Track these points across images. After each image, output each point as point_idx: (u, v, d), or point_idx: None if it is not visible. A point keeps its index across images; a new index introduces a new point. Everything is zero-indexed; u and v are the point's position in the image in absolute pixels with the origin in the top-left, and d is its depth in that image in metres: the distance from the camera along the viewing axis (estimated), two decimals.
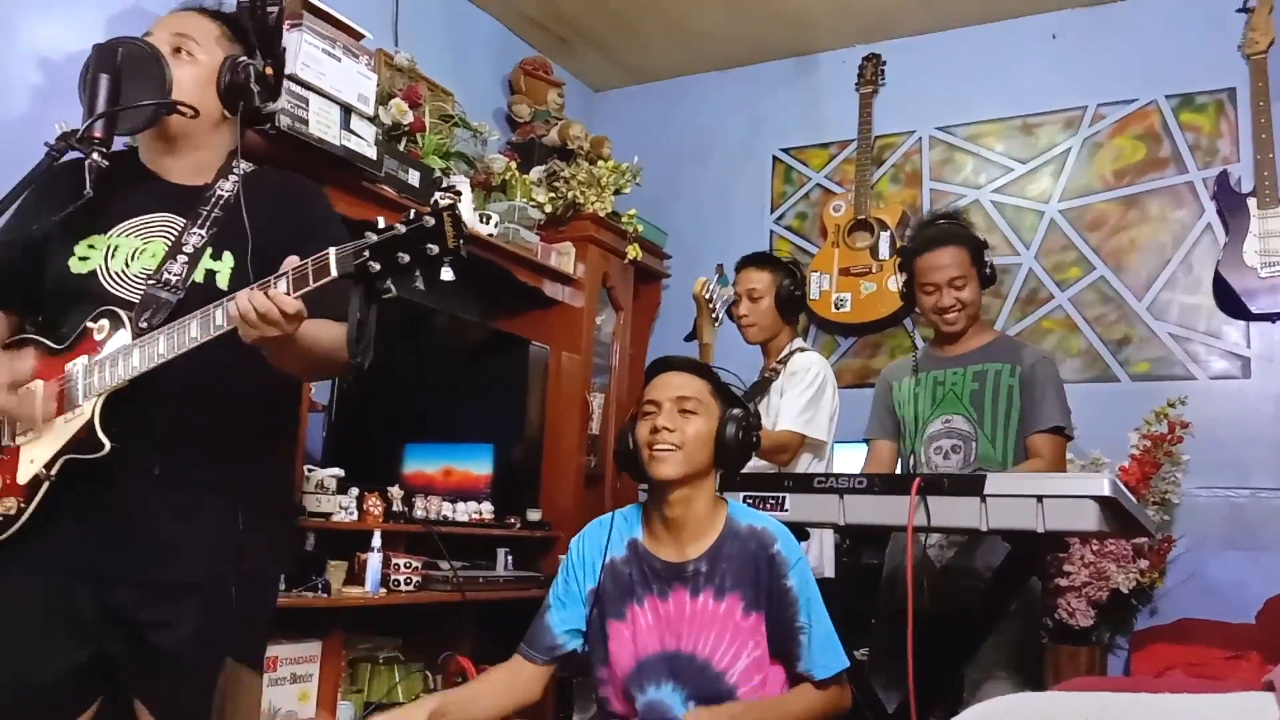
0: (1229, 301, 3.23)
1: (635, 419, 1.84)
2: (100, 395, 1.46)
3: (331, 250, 1.31)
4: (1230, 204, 3.27)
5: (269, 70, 1.63)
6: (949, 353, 2.48)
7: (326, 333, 1.48)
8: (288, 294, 1.33)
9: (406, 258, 1.26)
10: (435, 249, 1.26)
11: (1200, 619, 2.97)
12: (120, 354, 1.45)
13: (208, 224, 1.57)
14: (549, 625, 1.82)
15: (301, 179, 1.77)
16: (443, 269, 1.28)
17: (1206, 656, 2.69)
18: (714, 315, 2.71)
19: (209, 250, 1.56)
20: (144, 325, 1.47)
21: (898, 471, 2.53)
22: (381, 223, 1.29)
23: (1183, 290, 3.37)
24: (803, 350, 2.79)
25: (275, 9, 1.67)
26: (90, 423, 1.45)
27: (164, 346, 1.42)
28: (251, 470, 1.58)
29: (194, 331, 1.40)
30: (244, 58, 1.61)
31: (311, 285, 1.33)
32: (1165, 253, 3.42)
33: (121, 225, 1.57)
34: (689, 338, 2.78)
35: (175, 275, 1.53)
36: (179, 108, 1.54)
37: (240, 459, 1.56)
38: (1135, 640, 3.04)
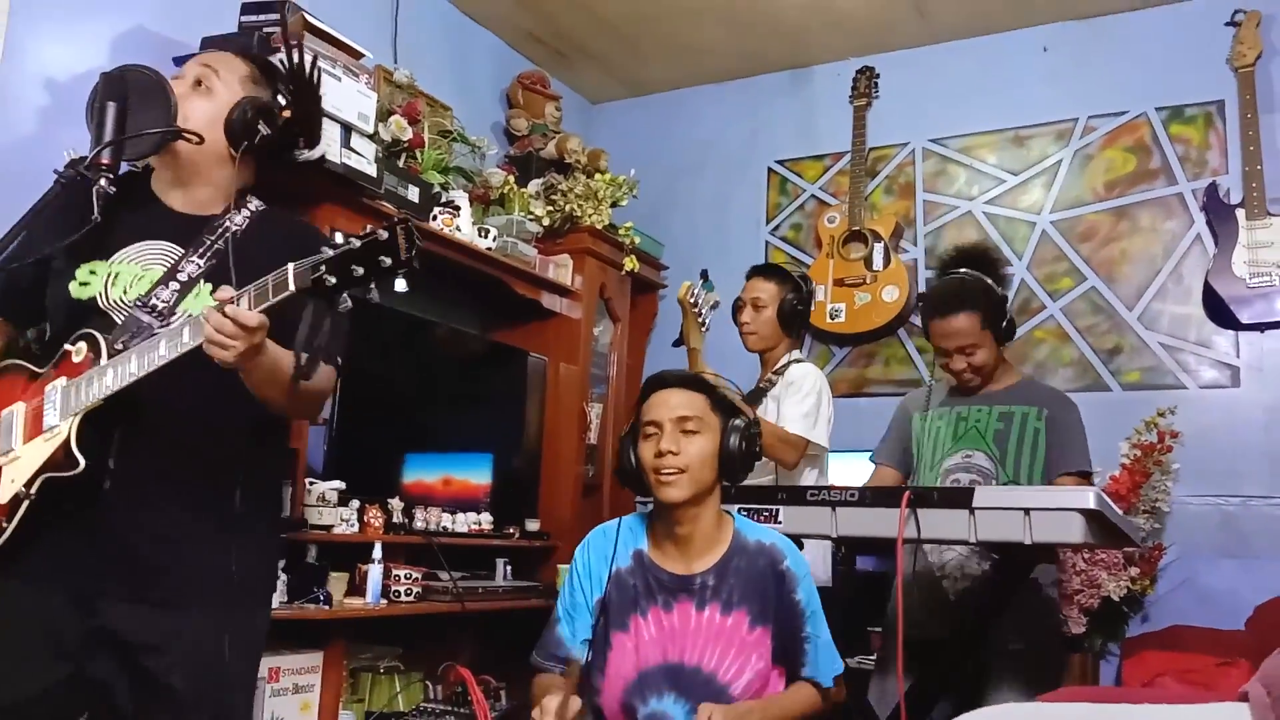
0: (1218, 311, 3.27)
1: (635, 436, 1.85)
2: (76, 415, 1.48)
3: (290, 265, 1.34)
4: (1219, 215, 3.31)
5: (286, 113, 1.65)
6: (973, 394, 2.45)
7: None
8: (249, 310, 1.36)
9: (361, 270, 1.30)
10: (389, 261, 1.30)
11: (1191, 626, 3.00)
12: (95, 374, 1.48)
13: (207, 255, 1.60)
14: (561, 638, 1.83)
15: (310, 226, 1.81)
16: (396, 280, 1.33)
17: (1197, 663, 2.72)
18: (700, 320, 2.74)
19: (206, 285, 1.58)
20: (119, 347, 1.49)
21: None
22: (340, 238, 1.34)
23: (1173, 300, 3.41)
24: (799, 361, 2.83)
25: (299, 47, 1.70)
26: (66, 441, 1.47)
27: (135, 365, 1.45)
28: (241, 487, 1.58)
29: (162, 350, 1.43)
30: (256, 97, 1.64)
31: (271, 300, 1.36)
32: (1155, 263, 3.46)
33: (124, 251, 1.60)
34: (677, 343, 2.81)
35: (163, 302, 1.55)
36: (184, 135, 1.57)
37: (229, 476, 1.56)
38: (1127, 647, 3.07)
